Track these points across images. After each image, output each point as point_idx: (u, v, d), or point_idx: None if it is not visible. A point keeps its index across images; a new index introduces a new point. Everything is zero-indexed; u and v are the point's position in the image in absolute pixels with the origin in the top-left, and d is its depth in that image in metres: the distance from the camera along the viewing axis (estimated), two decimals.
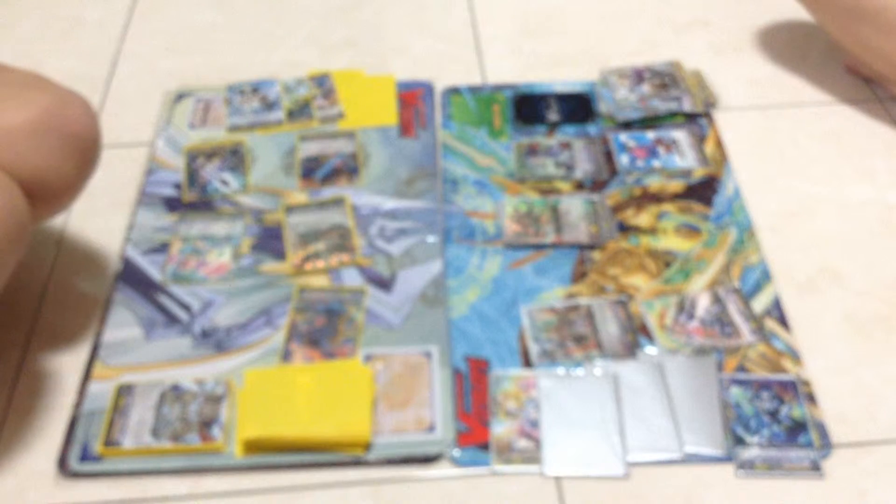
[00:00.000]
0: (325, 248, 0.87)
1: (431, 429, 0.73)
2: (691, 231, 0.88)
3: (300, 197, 0.92)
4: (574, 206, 0.90)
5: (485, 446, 0.72)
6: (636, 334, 0.79)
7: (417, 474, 0.71)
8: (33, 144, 0.70)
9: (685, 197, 0.91)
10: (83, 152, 0.74)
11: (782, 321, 0.80)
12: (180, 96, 1.04)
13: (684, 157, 0.95)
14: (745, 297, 0.82)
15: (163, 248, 0.87)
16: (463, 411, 0.74)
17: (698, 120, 1.00)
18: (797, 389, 0.75)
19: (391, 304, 0.82)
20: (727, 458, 0.71)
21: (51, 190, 0.72)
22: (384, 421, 0.73)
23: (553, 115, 1.01)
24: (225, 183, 0.94)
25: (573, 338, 0.79)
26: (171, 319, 0.81)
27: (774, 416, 0.73)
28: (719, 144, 0.97)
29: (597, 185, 0.93)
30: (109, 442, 0.72)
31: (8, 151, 0.69)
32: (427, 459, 0.72)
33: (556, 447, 0.72)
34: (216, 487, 0.71)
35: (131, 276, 0.85)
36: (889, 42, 0.94)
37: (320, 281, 0.84)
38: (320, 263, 0.85)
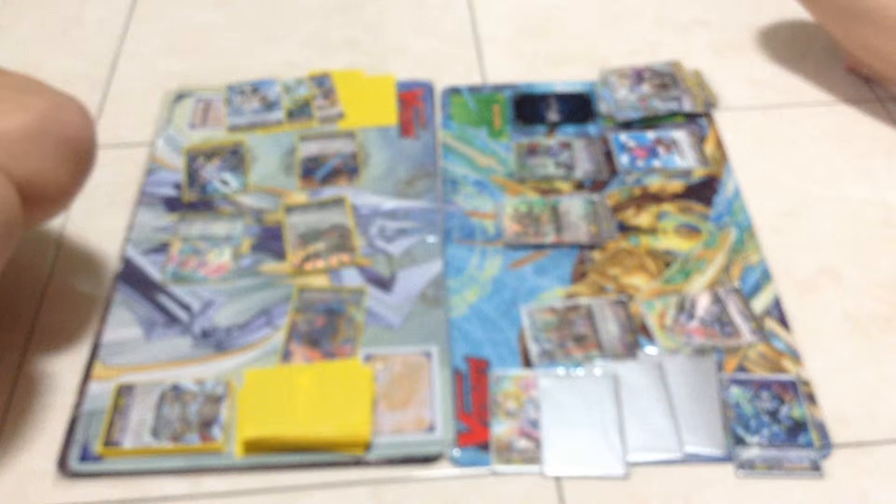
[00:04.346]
0: (325, 248, 0.87)
1: (431, 429, 0.73)
2: (691, 231, 0.88)
3: (300, 197, 0.92)
4: (574, 206, 0.90)
5: (485, 446, 0.72)
6: (636, 334, 0.79)
7: (417, 474, 0.71)
8: (29, 148, 0.70)
9: (685, 197, 0.91)
10: (79, 157, 0.74)
11: (782, 321, 0.80)
12: (180, 96, 1.04)
13: (684, 157, 0.95)
14: (745, 297, 0.82)
15: (163, 248, 0.87)
16: (463, 411, 0.74)
17: (698, 120, 1.00)
18: (797, 389, 0.75)
19: (391, 304, 0.82)
20: (727, 458, 0.71)
21: (46, 194, 0.72)
22: (384, 421, 0.73)
23: (553, 115, 1.01)
24: (225, 183, 0.94)
25: (573, 338, 0.79)
26: (171, 319, 0.81)
27: (774, 416, 0.73)
28: (719, 144, 0.97)
29: (597, 185, 0.93)
30: (109, 442, 0.72)
31: (3, 155, 0.69)
32: (427, 459, 0.72)
33: (556, 447, 0.72)
34: (216, 487, 0.71)
35: (131, 276, 0.85)
36: (889, 42, 0.94)
37: (320, 281, 0.84)
38: (320, 263, 0.85)
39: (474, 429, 0.73)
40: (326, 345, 0.79)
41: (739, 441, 0.72)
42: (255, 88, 1.04)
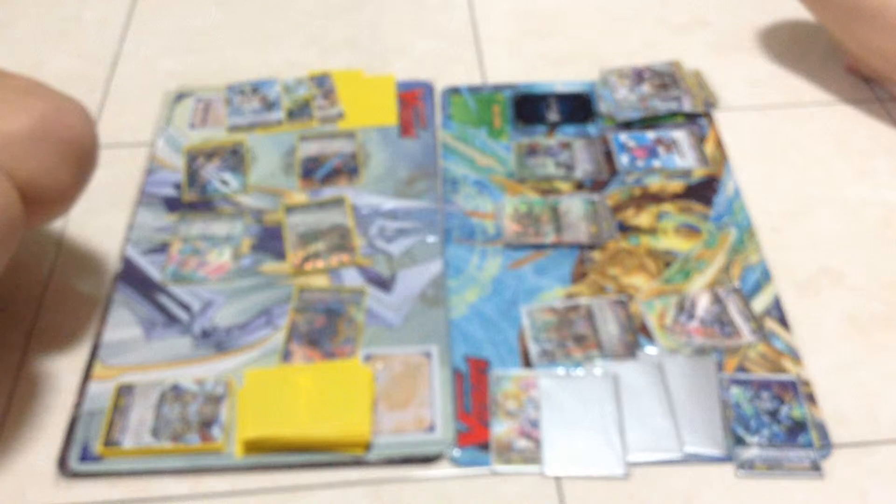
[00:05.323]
0: (325, 248, 0.87)
1: (431, 429, 0.73)
2: (691, 231, 0.88)
3: (300, 197, 0.92)
4: (574, 206, 0.90)
5: (485, 446, 0.72)
6: (636, 334, 0.79)
7: (417, 474, 0.71)
8: (30, 150, 0.70)
9: (685, 197, 0.91)
10: (80, 159, 0.74)
11: (782, 321, 0.80)
12: (180, 96, 1.04)
13: (684, 157, 0.95)
14: (745, 297, 0.82)
15: (163, 248, 0.87)
16: (463, 411, 0.74)
17: (698, 120, 1.00)
18: (797, 389, 0.75)
19: (391, 304, 0.82)
20: (727, 458, 0.71)
21: (47, 196, 0.72)
22: (384, 421, 0.73)
23: (553, 115, 1.01)
24: (225, 183, 0.94)
25: (573, 338, 0.79)
26: (171, 319, 0.81)
27: (774, 416, 0.73)
28: (719, 144, 0.97)
29: (597, 185, 0.93)
30: (109, 442, 0.72)
31: (4, 156, 0.69)
32: (427, 459, 0.72)
33: (556, 447, 0.72)
34: (216, 487, 0.71)
35: (131, 276, 0.85)
36: (889, 42, 0.94)
37: (320, 281, 0.84)
38: (320, 263, 0.85)
39: (474, 429, 0.73)
40: (326, 345, 0.79)
41: (739, 441, 0.72)
42: (255, 88, 1.04)
